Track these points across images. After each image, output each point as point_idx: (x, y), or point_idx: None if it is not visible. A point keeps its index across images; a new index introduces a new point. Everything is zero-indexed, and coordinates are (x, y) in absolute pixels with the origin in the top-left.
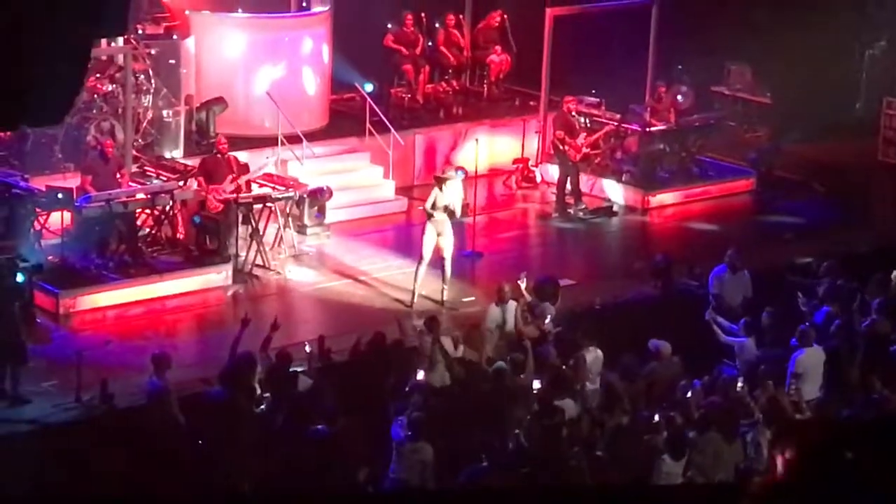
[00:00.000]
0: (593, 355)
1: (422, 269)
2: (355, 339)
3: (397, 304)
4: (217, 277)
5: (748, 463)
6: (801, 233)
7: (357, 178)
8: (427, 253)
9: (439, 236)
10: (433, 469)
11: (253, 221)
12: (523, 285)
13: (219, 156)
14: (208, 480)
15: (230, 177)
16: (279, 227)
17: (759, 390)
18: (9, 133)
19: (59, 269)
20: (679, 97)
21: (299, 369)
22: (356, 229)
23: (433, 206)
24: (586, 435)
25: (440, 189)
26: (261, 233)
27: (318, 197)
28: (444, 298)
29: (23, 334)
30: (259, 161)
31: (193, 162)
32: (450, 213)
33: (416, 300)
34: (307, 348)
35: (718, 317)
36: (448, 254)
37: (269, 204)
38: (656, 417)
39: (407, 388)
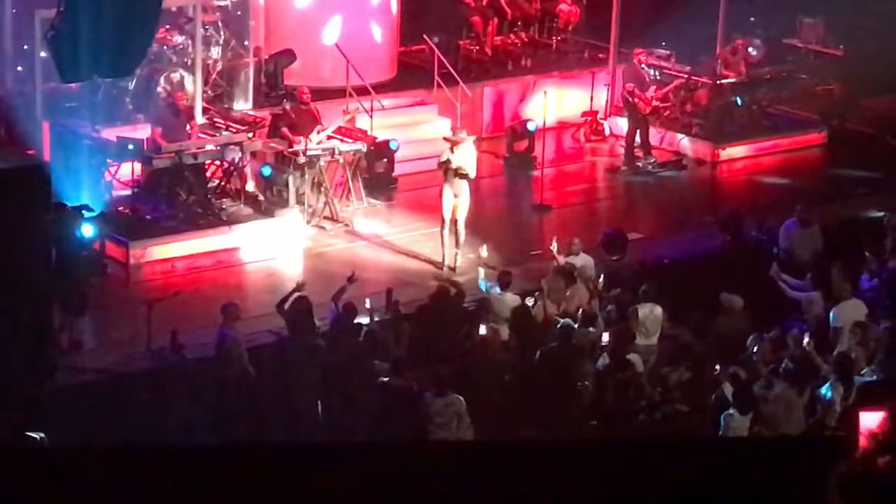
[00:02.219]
0: (648, 310)
1: (446, 232)
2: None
3: (464, 257)
4: (286, 229)
5: (817, 418)
6: (873, 187)
7: (425, 130)
8: (448, 214)
9: (456, 197)
10: (468, 421)
11: (322, 173)
12: (554, 249)
13: (302, 106)
14: (274, 428)
15: (317, 128)
16: (347, 180)
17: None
18: (81, 84)
19: (129, 219)
20: (751, 49)
21: (364, 321)
22: (424, 182)
23: (445, 169)
24: (650, 390)
25: (451, 151)
26: (329, 185)
27: (386, 149)
28: (457, 263)
29: (85, 285)
30: (339, 118)
31: (262, 114)
32: (462, 175)
33: (447, 261)
34: (367, 304)
35: (782, 273)
36: (462, 216)
37: (337, 156)
38: (718, 369)
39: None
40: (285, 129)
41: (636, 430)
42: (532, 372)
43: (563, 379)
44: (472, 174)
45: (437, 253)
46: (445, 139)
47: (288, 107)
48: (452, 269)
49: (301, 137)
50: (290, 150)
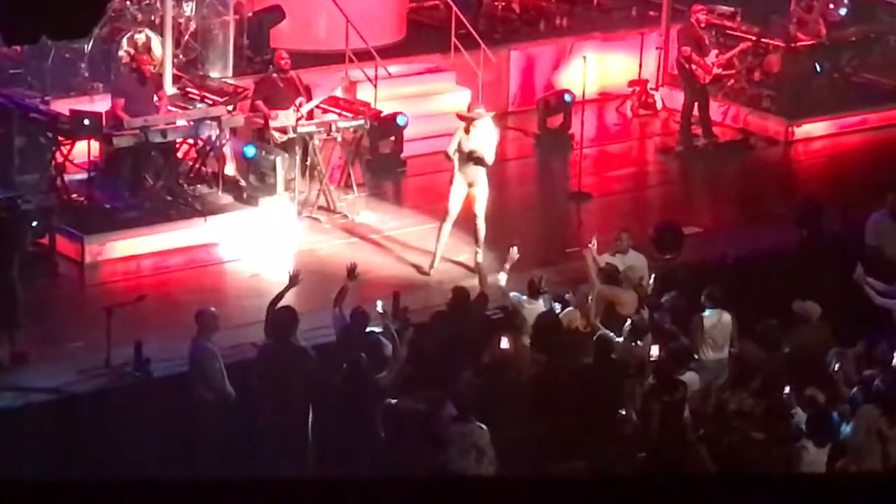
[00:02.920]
0: (716, 318)
1: (446, 228)
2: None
3: (485, 255)
4: (272, 221)
5: None
6: None
7: (440, 103)
8: (454, 207)
9: (471, 187)
10: (492, 454)
11: (315, 154)
12: (592, 248)
13: (281, 74)
14: (257, 461)
15: (299, 100)
16: (346, 162)
17: None
18: (26, 47)
19: (84, 209)
20: (832, 6)
21: (377, 330)
22: (437, 165)
23: (458, 152)
24: (712, 414)
25: (465, 131)
26: (324, 168)
27: (393, 126)
28: (480, 261)
29: (18, 291)
30: (330, 82)
31: (244, 82)
32: (477, 159)
33: (436, 265)
34: (379, 308)
35: (868, 278)
36: (481, 208)
37: (334, 133)
38: (786, 390)
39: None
40: (259, 103)
41: (693, 464)
42: (565, 394)
43: (603, 402)
44: (490, 159)
45: (451, 249)
46: (459, 116)
47: (275, 75)
48: (472, 271)
49: (279, 112)
50: (276, 126)
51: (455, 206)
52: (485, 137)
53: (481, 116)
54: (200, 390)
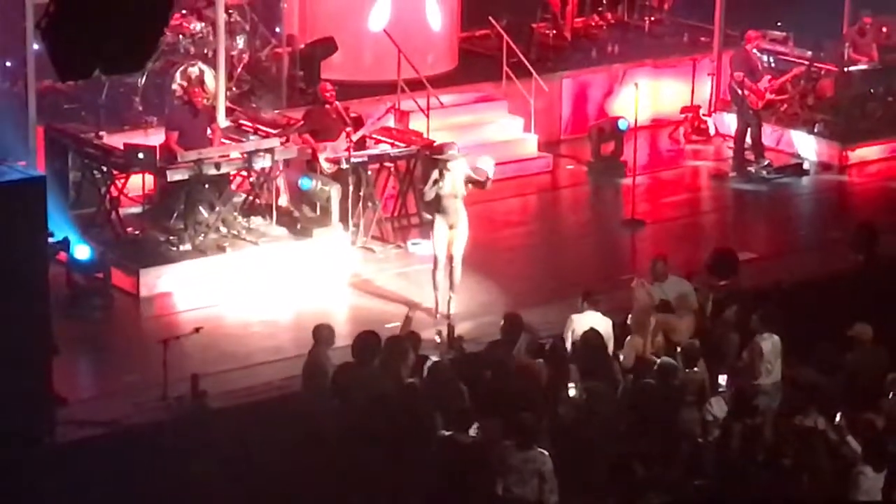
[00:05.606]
0: (770, 343)
1: (440, 274)
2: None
3: (541, 283)
4: (326, 252)
5: None
6: None
7: (492, 131)
8: (441, 252)
9: (451, 229)
10: (554, 483)
11: (369, 185)
12: (642, 288)
13: (326, 106)
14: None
15: (346, 131)
16: (399, 192)
17: None
18: (81, 82)
19: (139, 242)
20: (885, 29)
21: (434, 358)
22: (492, 193)
23: (437, 195)
24: (771, 440)
25: (440, 173)
26: (377, 199)
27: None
28: (450, 311)
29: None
30: (376, 112)
31: (297, 114)
32: (454, 197)
33: (440, 308)
34: (437, 337)
35: None
36: (459, 251)
37: (387, 163)
38: (839, 416)
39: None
40: (307, 136)
41: (751, 490)
42: (621, 422)
43: (661, 430)
44: (463, 193)
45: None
46: (432, 157)
47: (336, 104)
48: (447, 317)
49: (328, 144)
50: (328, 158)
51: (441, 250)
52: (458, 178)
53: (456, 157)
54: (310, 402)
